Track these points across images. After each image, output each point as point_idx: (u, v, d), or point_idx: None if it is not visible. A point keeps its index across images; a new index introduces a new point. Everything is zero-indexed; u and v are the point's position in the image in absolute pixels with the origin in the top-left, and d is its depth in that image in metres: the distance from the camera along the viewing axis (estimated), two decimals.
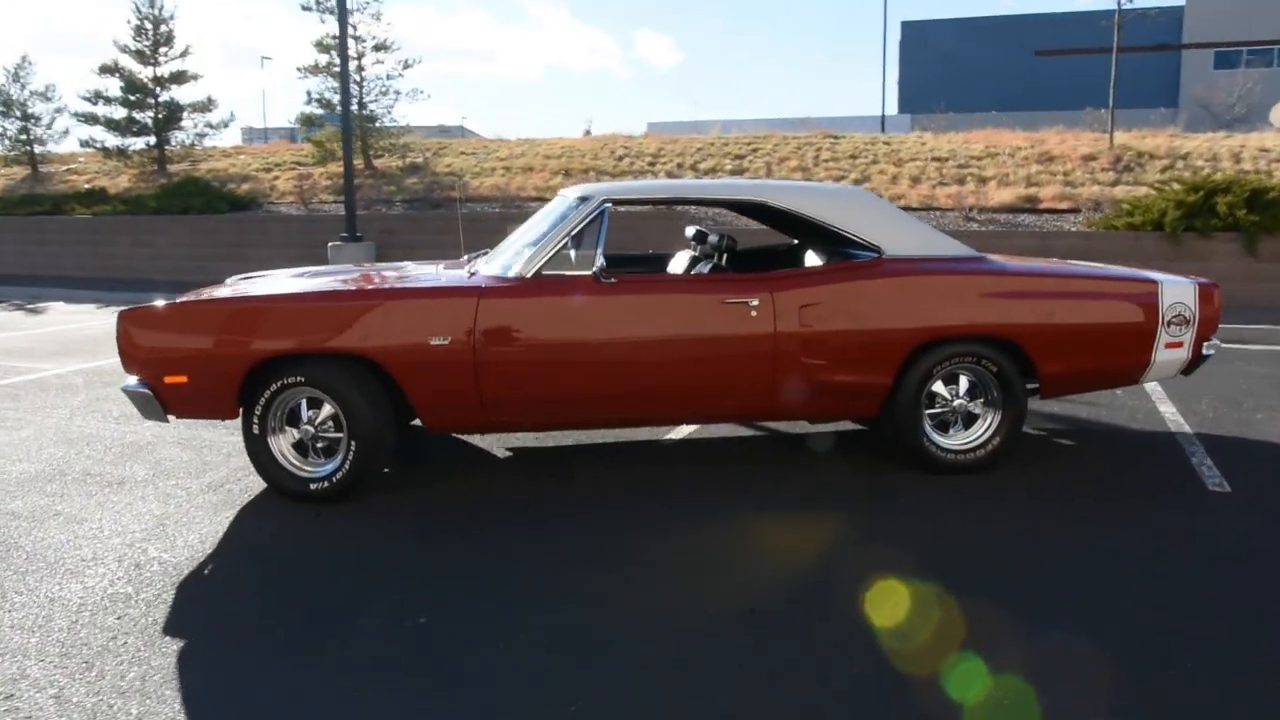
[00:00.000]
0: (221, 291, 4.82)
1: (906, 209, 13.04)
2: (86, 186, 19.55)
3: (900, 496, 4.51)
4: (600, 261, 4.51)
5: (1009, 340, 4.68)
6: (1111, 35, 14.70)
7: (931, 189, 13.54)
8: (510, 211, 14.16)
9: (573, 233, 4.64)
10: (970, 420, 4.82)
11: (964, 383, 4.78)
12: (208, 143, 21.58)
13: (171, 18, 20.39)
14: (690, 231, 5.68)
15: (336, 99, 18.42)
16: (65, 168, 22.25)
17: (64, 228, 16.85)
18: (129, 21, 19.95)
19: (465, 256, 5.45)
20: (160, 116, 20.25)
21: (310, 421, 4.48)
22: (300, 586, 3.61)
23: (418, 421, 4.79)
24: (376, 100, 18.68)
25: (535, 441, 5.51)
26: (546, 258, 4.58)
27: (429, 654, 3.06)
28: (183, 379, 4.41)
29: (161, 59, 20.30)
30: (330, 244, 13.44)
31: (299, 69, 18.67)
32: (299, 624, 3.30)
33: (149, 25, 20.03)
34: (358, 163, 18.62)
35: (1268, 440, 5.44)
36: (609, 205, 4.69)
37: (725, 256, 5.20)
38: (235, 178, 19.17)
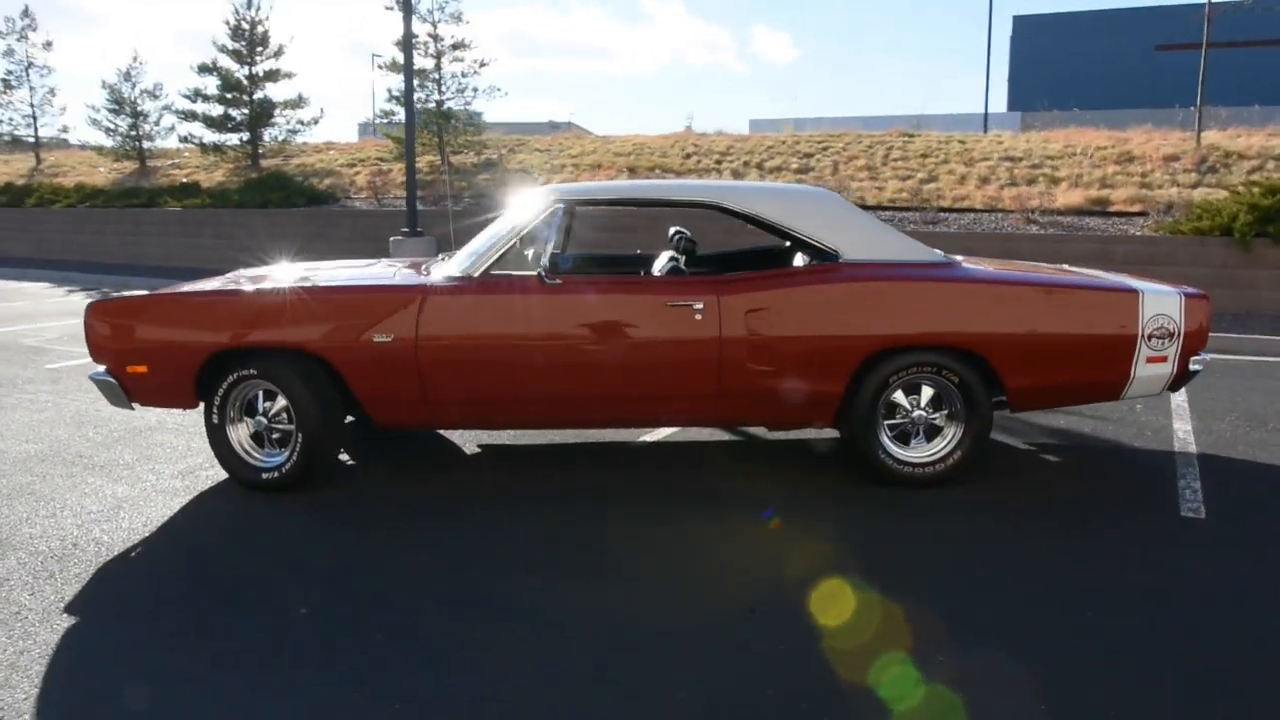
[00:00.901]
0: (208, 284, 4.99)
1: (969, 210, 12.62)
2: (185, 180, 20.49)
3: (859, 509, 4.37)
4: (545, 262, 4.51)
5: (970, 350, 4.48)
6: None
7: (999, 190, 13.06)
8: None
9: (522, 232, 4.65)
10: (933, 433, 4.64)
11: (926, 393, 4.60)
12: (300, 139, 22.37)
13: (267, 18, 21.21)
14: (671, 231, 5.62)
15: (414, 96, 18.88)
16: (170, 162, 23.36)
17: (158, 220, 17.71)
18: (227, 22, 20.83)
19: (440, 255, 5.52)
20: (253, 113, 21.08)
21: (264, 413, 4.61)
22: (216, 574, 3.71)
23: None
24: (454, 98, 19.04)
25: (511, 439, 5.54)
26: (495, 257, 4.60)
27: (304, 647, 3.12)
28: (143, 369, 4.58)
29: (258, 58, 21.12)
30: (392, 238, 13.77)
31: (380, 66, 19.21)
32: (196, 610, 3.39)
33: (245, 26, 20.87)
34: (435, 159, 19.06)
35: (1274, 464, 5.08)
36: (561, 206, 4.68)
37: (685, 258, 5.11)
38: (320, 172, 19.81)
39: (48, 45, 26.06)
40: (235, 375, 4.56)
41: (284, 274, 5.15)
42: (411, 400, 4.54)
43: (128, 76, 23.27)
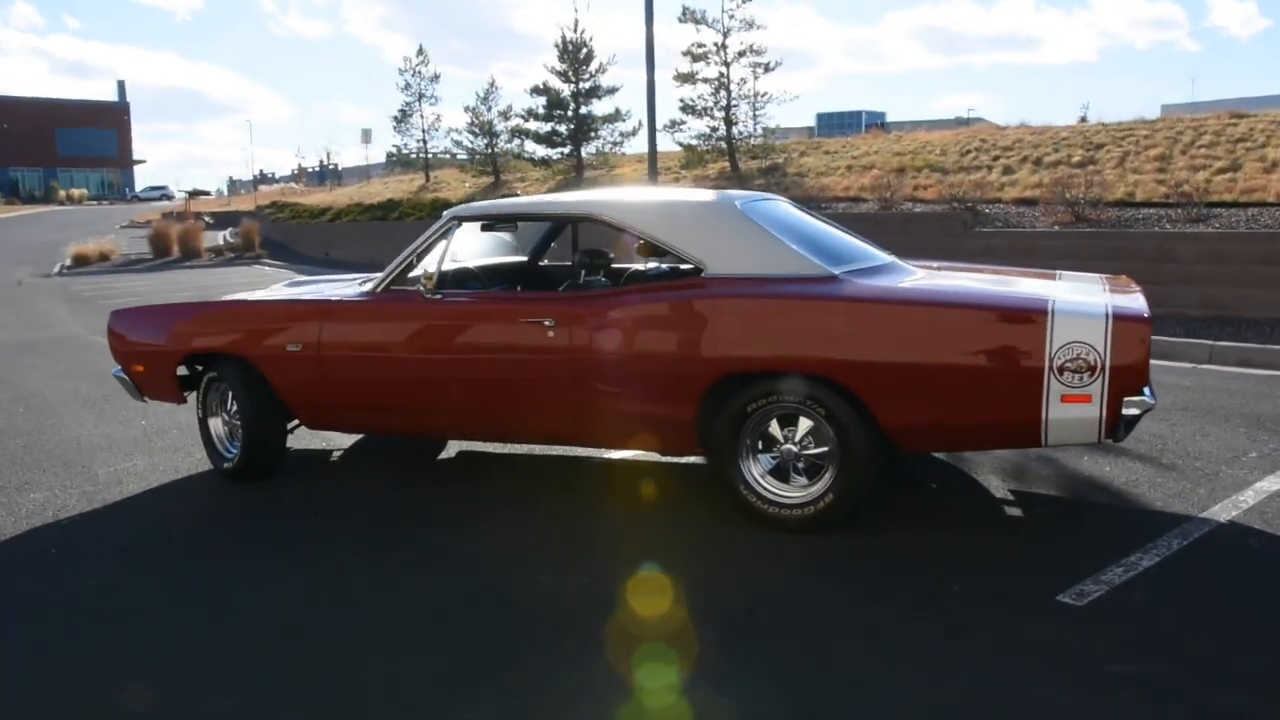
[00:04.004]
0: (241, 295, 5.71)
1: (1254, 204, 10.42)
2: (518, 193, 22.69)
3: (722, 549, 4.00)
4: (430, 276, 4.61)
5: (830, 379, 3.91)
6: None
7: None
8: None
9: (420, 249, 4.80)
10: (815, 471, 4.09)
11: (804, 425, 4.07)
12: (623, 150, 23.81)
13: (592, 39, 22.81)
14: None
15: (704, 105, 19.36)
16: (517, 176, 25.95)
17: None
18: (555, 45, 22.71)
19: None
20: (576, 128, 22.77)
21: (229, 411, 5.20)
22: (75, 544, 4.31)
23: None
24: (737, 105, 19.19)
25: (494, 448, 5.69)
26: (395, 273, 4.80)
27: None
28: (142, 368, 5.38)
29: (582, 77, 22.80)
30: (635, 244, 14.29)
31: (674, 77, 19.83)
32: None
33: (572, 48, 22.61)
34: (724, 165, 19.36)
35: None
36: (455, 223, 4.77)
37: (585, 271, 4.92)
38: (634, 181, 20.92)
39: (435, 79, 30.14)
40: (208, 376, 5.20)
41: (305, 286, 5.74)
42: (323, 405, 4.89)
43: (484, 99, 26.24)
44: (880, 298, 3.96)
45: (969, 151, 15.49)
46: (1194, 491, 4.51)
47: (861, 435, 3.90)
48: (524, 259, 6.07)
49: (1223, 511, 4.23)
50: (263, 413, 4.99)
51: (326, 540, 4.27)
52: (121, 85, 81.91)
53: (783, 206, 4.92)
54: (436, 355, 4.57)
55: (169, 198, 62.81)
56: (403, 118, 30.21)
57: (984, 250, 10.61)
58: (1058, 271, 4.90)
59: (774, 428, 4.11)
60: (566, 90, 22.77)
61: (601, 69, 22.74)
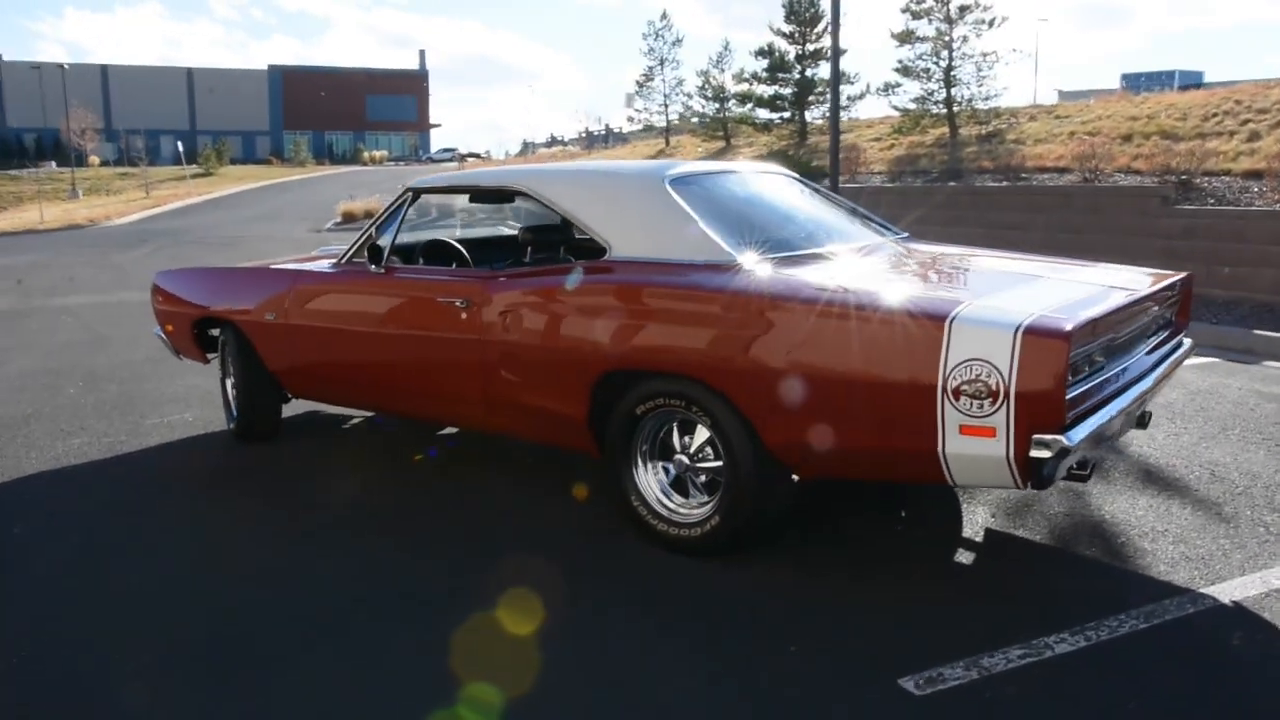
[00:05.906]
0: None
1: None
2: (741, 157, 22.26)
3: (610, 557, 3.68)
4: (379, 249, 4.48)
5: (707, 383, 3.40)
6: None
7: None
8: (1000, 185, 12.55)
9: (379, 222, 4.68)
10: (715, 488, 3.60)
11: (701, 435, 3.59)
12: (850, 115, 22.64)
13: None
14: None
15: (922, 66, 18.02)
16: (746, 140, 25.44)
17: None
18: (783, 4, 21.87)
19: None
20: (796, 92, 21.91)
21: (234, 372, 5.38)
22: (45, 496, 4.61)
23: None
24: (959, 65, 17.61)
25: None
26: (356, 246, 4.72)
27: None
28: (171, 328, 5.68)
29: (809, 39, 21.85)
30: None
31: (892, 35, 18.49)
32: None
33: (799, 8, 21.70)
34: (942, 131, 17.93)
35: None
36: (410, 194, 4.61)
37: (531, 248, 4.55)
38: (846, 148, 19.91)
39: (678, 43, 30.07)
40: (221, 339, 5.41)
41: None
42: (296, 373, 4.94)
43: (718, 62, 25.86)
44: (758, 291, 3.36)
45: (1214, 115, 13.34)
46: (1225, 557, 3.56)
47: (748, 450, 3.38)
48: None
49: (1237, 589, 3.31)
50: (253, 377, 5.11)
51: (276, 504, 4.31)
52: (422, 54, 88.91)
53: (751, 181, 4.42)
54: (370, 330, 4.47)
55: (457, 160, 67.43)
56: (645, 82, 30.53)
57: (1182, 231, 9.12)
58: (1098, 264, 4.04)
59: (675, 436, 3.66)
60: (792, 52, 21.93)
61: (829, 29, 21.64)
